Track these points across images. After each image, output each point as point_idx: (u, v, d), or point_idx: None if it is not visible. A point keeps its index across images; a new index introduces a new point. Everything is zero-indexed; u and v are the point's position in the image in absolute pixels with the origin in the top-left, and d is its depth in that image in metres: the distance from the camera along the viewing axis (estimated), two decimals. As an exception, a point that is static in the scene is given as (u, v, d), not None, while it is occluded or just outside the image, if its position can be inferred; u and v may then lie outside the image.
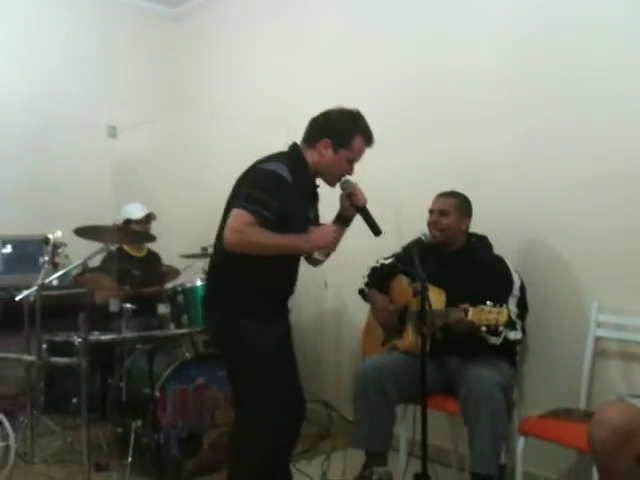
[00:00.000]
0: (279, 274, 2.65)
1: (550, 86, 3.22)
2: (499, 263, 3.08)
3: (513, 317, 2.84)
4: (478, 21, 3.56)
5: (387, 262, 3.36)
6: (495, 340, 2.88)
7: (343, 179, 2.62)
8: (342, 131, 2.58)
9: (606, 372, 3.02)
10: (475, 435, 2.78)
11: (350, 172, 2.64)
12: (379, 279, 3.33)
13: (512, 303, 2.94)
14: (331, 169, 2.60)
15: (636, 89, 2.91)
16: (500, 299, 2.78)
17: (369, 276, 3.40)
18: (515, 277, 3.02)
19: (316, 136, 2.60)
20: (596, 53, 3.05)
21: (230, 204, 2.54)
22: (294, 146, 2.66)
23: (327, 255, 2.69)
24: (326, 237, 2.54)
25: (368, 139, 2.62)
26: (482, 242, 3.21)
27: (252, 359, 2.57)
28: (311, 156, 2.60)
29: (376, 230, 2.64)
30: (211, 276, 2.76)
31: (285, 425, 2.66)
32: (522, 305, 3.00)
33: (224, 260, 2.59)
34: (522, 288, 3.03)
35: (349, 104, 4.10)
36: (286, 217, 2.47)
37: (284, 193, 2.47)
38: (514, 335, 2.91)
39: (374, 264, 3.38)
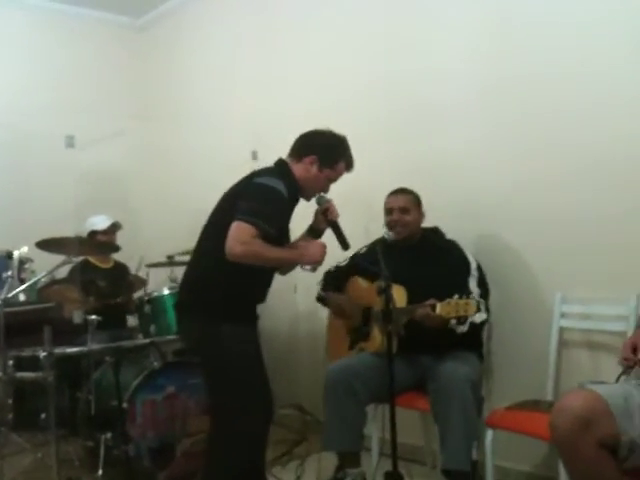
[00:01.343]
0: (259, 281, 2.75)
1: (517, 84, 3.23)
2: (453, 247, 3.14)
3: (477, 298, 2.85)
4: (445, 21, 3.56)
5: (343, 264, 3.37)
6: (462, 328, 2.90)
7: (319, 195, 2.80)
8: (330, 153, 2.77)
9: (572, 362, 3.04)
10: (446, 432, 2.79)
11: (327, 191, 2.83)
12: (333, 282, 3.35)
13: (472, 284, 2.98)
14: (313, 185, 2.78)
15: (600, 85, 2.93)
16: (460, 282, 2.83)
17: (323, 280, 3.41)
18: (470, 258, 3.07)
19: (304, 151, 2.76)
20: (563, 51, 3.06)
21: (222, 215, 2.64)
22: (284, 163, 2.78)
23: (315, 269, 2.83)
24: (319, 253, 2.68)
25: (349, 165, 2.83)
26: (434, 232, 3.26)
27: (235, 364, 2.62)
28: (297, 169, 2.76)
29: (345, 244, 2.83)
30: (190, 285, 2.78)
31: (263, 427, 2.72)
32: (482, 284, 3.02)
33: (207, 268, 2.67)
34: (479, 268, 3.06)
35: (317, 106, 4.18)
36: (280, 230, 2.62)
37: (283, 209, 2.66)
38: (479, 317, 2.90)
39: (328, 268, 3.38)
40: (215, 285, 2.64)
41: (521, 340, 3.22)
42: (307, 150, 2.76)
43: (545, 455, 3.09)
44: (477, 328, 2.98)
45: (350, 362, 3.10)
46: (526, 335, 3.20)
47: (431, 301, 2.73)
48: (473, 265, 3.05)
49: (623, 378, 2.19)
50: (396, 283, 2.92)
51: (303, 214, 2.89)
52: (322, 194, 2.81)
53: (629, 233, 2.84)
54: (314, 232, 2.89)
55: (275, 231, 2.56)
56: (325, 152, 2.76)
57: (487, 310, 2.99)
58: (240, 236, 2.47)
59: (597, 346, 2.99)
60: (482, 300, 2.93)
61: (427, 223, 3.29)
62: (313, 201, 2.85)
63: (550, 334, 3.04)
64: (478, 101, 3.40)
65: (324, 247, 2.70)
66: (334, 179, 2.82)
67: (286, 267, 2.86)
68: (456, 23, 3.51)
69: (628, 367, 2.19)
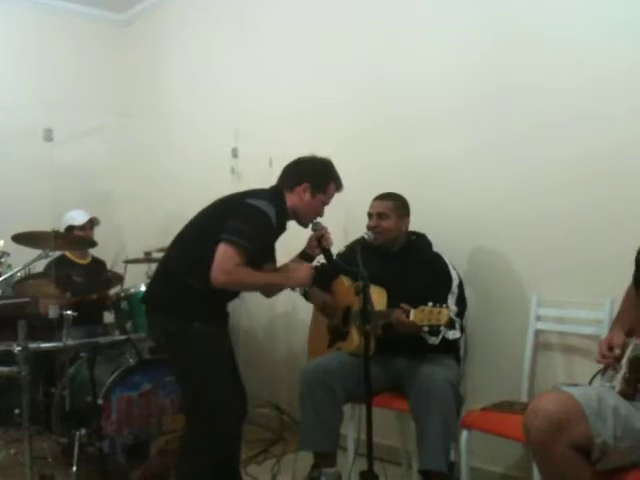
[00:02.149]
0: None
1: (504, 92, 3.25)
2: (438, 261, 3.11)
3: (452, 316, 2.86)
4: (432, 27, 3.57)
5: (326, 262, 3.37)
6: (434, 340, 2.90)
7: (315, 221, 2.89)
8: (319, 178, 2.84)
9: (547, 364, 3.07)
10: (425, 432, 2.79)
11: (322, 214, 2.90)
12: (319, 278, 3.34)
13: (451, 301, 2.97)
14: (308, 211, 2.85)
15: (585, 94, 2.96)
16: (440, 297, 2.81)
17: None
18: (453, 274, 3.05)
19: (295, 181, 2.82)
20: (549, 58, 3.08)
21: (207, 223, 2.73)
22: (279, 191, 2.83)
23: (302, 290, 3.01)
24: (306, 276, 2.77)
25: (339, 185, 2.90)
26: (421, 240, 3.24)
27: (206, 361, 2.65)
28: (290, 199, 2.82)
29: (334, 272, 2.98)
30: (160, 282, 2.81)
31: (236, 425, 2.75)
32: (460, 302, 3.02)
33: (181, 270, 2.69)
34: (460, 285, 3.06)
35: (302, 109, 4.18)
36: (258, 253, 2.65)
37: (268, 234, 2.73)
38: (452, 334, 2.93)
39: (314, 263, 3.38)
40: (183, 284, 2.67)
41: (497, 342, 3.24)
42: (297, 179, 2.82)
43: (519, 456, 3.11)
44: (450, 343, 2.98)
45: (326, 361, 3.10)
46: (502, 337, 3.23)
47: (405, 306, 2.74)
48: (455, 282, 3.03)
49: (598, 378, 2.21)
50: (378, 285, 2.95)
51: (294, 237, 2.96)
52: (318, 221, 2.89)
53: (606, 239, 2.86)
54: (306, 257, 2.97)
55: (256, 253, 2.61)
56: (315, 178, 2.82)
57: (461, 329, 3.00)
58: (224, 264, 2.54)
59: (572, 349, 3.02)
60: (457, 319, 2.95)
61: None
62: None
63: (526, 336, 3.07)
64: (463, 109, 3.42)
65: (311, 270, 2.79)
66: (327, 202, 2.89)
67: (272, 290, 2.92)
68: (442, 31, 3.53)
69: (605, 367, 2.21)
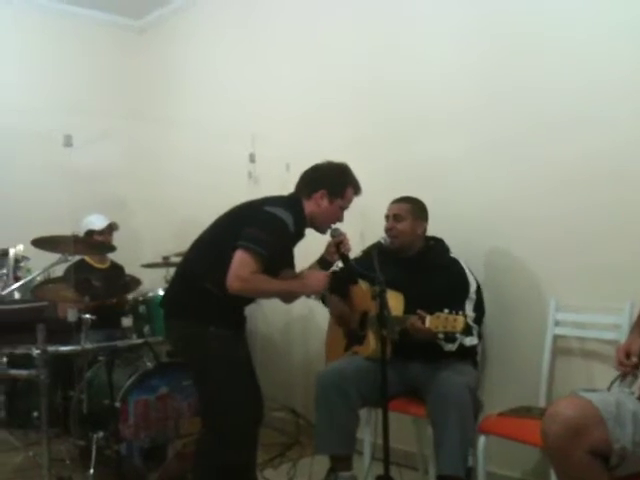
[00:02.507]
0: None
1: (506, 92, 3.25)
2: (455, 266, 3.09)
3: (470, 322, 2.85)
4: (433, 27, 3.60)
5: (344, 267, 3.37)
6: (451, 347, 2.90)
7: (333, 227, 2.88)
8: (336, 183, 2.84)
9: (565, 369, 3.05)
10: (443, 437, 2.77)
11: (342, 219, 2.90)
12: (337, 284, 3.34)
13: (469, 307, 2.96)
14: (327, 217, 2.85)
15: (590, 95, 2.96)
16: (457, 303, 2.80)
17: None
18: (471, 279, 3.04)
19: (312, 188, 2.83)
20: (549, 58, 3.08)
21: (225, 230, 2.74)
22: (298, 199, 2.84)
23: (319, 297, 3.04)
24: (321, 284, 2.77)
25: (357, 189, 2.90)
26: (439, 245, 3.22)
27: (221, 365, 2.67)
28: (308, 206, 2.83)
29: (354, 279, 3.00)
30: (178, 287, 2.84)
31: (252, 428, 2.76)
32: (478, 308, 3.00)
33: (197, 274, 2.72)
34: (478, 291, 3.04)
35: (311, 112, 4.19)
36: (274, 260, 2.65)
37: (286, 242, 2.75)
38: (470, 341, 2.93)
39: (333, 268, 3.38)
40: (203, 289, 2.68)
41: (515, 347, 3.23)
42: (314, 186, 2.83)
43: (536, 462, 3.09)
44: (466, 350, 2.97)
45: (341, 365, 3.09)
46: (520, 342, 3.21)
47: (421, 313, 2.72)
48: (472, 287, 3.01)
49: (616, 384, 2.19)
50: (394, 290, 2.94)
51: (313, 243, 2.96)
52: (336, 227, 2.89)
53: (625, 242, 2.85)
54: (324, 263, 2.97)
55: (273, 261, 2.62)
56: (332, 184, 2.83)
57: (479, 335, 2.99)
58: (240, 271, 2.55)
59: (590, 354, 2.99)
60: (475, 325, 2.94)
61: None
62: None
63: (544, 341, 3.05)
64: (467, 108, 3.42)
65: (326, 278, 2.79)
66: (346, 207, 2.89)
67: (289, 297, 2.93)
68: (442, 32, 3.55)
69: (623, 373, 2.19)
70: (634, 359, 2.15)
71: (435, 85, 3.56)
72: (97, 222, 4.42)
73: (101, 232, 4.40)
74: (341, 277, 3.21)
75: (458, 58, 3.45)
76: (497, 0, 3.33)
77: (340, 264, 3.25)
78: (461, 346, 2.91)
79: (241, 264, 2.56)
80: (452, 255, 3.16)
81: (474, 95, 3.38)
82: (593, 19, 2.96)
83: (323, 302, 3.41)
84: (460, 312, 2.66)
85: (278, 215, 2.67)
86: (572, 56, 3.00)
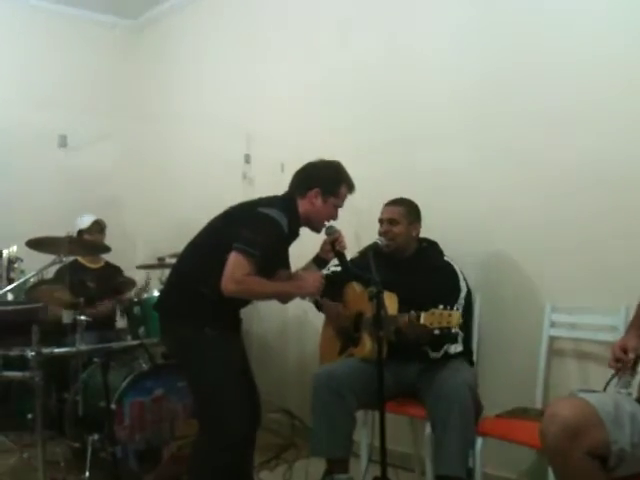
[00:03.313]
0: None
1: (506, 96, 3.26)
2: (449, 268, 3.09)
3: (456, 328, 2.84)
4: (433, 28, 3.61)
5: (338, 269, 3.35)
6: (435, 355, 2.92)
7: (328, 225, 2.87)
8: (330, 181, 2.83)
9: (561, 370, 3.06)
10: (444, 437, 2.76)
11: (336, 217, 2.89)
12: (330, 286, 3.33)
13: None
14: (321, 216, 2.84)
15: (589, 97, 2.96)
16: (451, 300, 2.81)
17: None
18: (462, 285, 3.03)
19: (305, 186, 2.82)
20: (552, 62, 3.09)
21: (218, 232, 2.75)
22: (292, 198, 2.83)
23: (314, 298, 3.01)
24: (315, 285, 2.75)
25: (351, 187, 2.89)
26: (432, 247, 3.23)
27: (216, 366, 2.66)
28: (302, 205, 2.82)
29: (349, 277, 2.97)
30: (172, 288, 2.84)
31: (248, 429, 2.73)
32: (466, 314, 2.98)
33: (192, 276, 2.72)
34: (467, 297, 3.03)
35: (307, 114, 4.18)
36: (269, 261, 2.65)
37: (280, 243, 2.74)
38: (454, 349, 2.93)
39: (325, 272, 3.37)
40: (197, 291, 2.68)
41: (511, 348, 3.23)
42: (308, 185, 2.82)
43: (534, 463, 3.09)
44: (453, 356, 2.96)
45: (337, 367, 3.08)
46: (516, 343, 3.21)
47: (416, 311, 2.73)
48: (462, 293, 3.00)
49: (614, 383, 2.18)
50: (388, 290, 2.93)
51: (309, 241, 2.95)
52: (332, 225, 2.88)
53: (621, 245, 2.85)
54: (319, 261, 2.99)
55: (267, 262, 2.62)
56: (325, 182, 2.82)
57: (464, 342, 2.99)
58: (234, 274, 2.54)
59: (586, 356, 3.00)
60: (460, 332, 2.94)
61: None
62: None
63: (540, 343, 3.05)
64: (467, 112, 3.42)
65: (321, 278, 2.78)
66: (340, 205, 2.89)
67: (284, 299, 2.91)
68: (443, 32, 3.55)
69: (619, 369, 2.18)
70: (631, 355, 2.14)
71: (434, 87, 3.56)
72: (84, 220, 4.42)
73: (88, 230, 4.38)
74: (335, 281, 3.21)
75: (458, 60, 3.46)
76: (497, 0, 3.34)
77: (333, 266, 3.26)
78: (446, 354, 2.92)
79: (235, 266, 2.55)
80: (446, 258, 3.16)
81: (473, 98, 3.39)
82: (593, 19, 2.96)
83: (316, 306, 3.40)
84: (455, 307, 2.66)
85: (272, 216, 2.66)
86: (572, 56, 3.00)
